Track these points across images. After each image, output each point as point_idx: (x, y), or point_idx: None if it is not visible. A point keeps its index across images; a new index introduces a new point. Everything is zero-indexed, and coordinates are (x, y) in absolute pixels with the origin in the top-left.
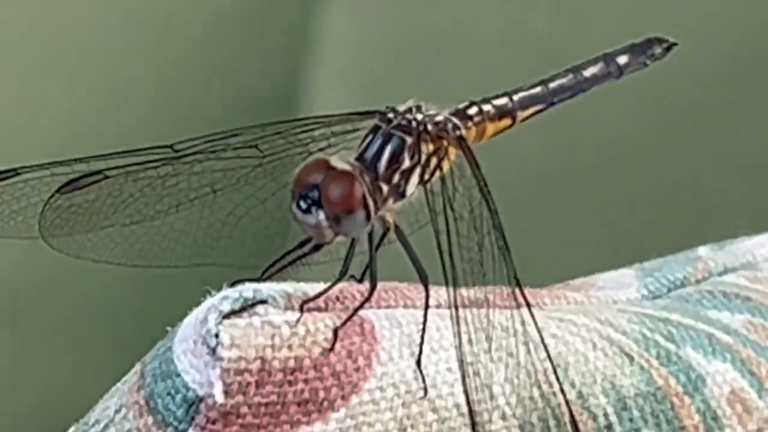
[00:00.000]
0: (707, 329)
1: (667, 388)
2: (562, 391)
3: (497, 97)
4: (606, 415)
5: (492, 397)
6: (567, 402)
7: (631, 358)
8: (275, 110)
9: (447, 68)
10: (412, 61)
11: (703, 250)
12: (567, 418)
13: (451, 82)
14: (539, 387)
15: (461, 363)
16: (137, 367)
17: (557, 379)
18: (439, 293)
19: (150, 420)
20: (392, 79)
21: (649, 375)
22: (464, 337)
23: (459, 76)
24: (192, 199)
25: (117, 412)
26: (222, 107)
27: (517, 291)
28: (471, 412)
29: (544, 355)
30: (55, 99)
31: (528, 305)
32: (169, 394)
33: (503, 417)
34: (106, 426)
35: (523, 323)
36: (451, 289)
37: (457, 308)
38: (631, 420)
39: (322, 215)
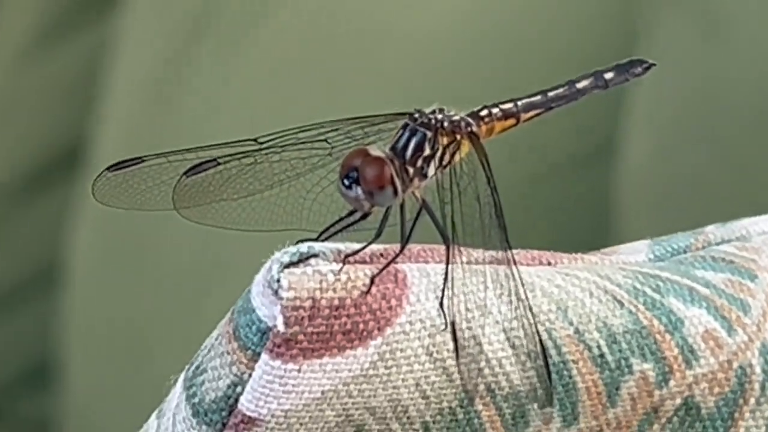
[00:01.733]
0: (690, 284)
1: (651, 327)
2: (535, 325)
3: (505, 102)
4: (599, 346)
5: (483, 327)
6: (537, 330)
7: (621, 304)
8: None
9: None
10: (699, 114)
11: (709, 227)
12: (538, 347)
13: (729, 128)
14: (525, 325)
15: (450, 296)
16: (233, 306)
17: (532, 313)
18: (468, 252)
19: (236, 345)
20: (682, 127)
21: (636, 317)
22: (458, 274)
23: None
24: (279, 180)
25: (216, 339)
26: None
27: (508, 253)
28: (453, 332)
29: (524, 295)
30: None
31: (515, 262)
32: (248, 325)
33: (513, 346)
34: (209, 350)
35: (512, 272)
36: (451, 245)
37: (452, 253)
38: (620, 351)
39: (360, 190)
